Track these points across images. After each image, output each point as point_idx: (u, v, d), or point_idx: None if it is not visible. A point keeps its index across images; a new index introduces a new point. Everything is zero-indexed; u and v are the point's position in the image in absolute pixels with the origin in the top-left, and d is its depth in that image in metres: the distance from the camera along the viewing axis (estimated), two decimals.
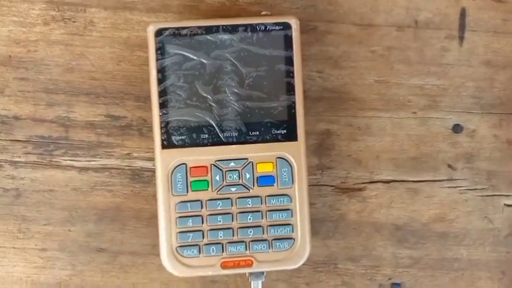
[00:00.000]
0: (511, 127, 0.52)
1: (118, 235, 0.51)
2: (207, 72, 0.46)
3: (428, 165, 0.52)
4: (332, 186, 0.52)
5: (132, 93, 0.51)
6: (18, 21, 0.50)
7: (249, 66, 0.46)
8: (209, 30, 0.46)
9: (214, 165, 0.46)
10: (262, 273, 0.47)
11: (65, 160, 0.51)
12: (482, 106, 0.52)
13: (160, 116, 0.46)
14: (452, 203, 0.52)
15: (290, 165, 0.47)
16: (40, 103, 0.51)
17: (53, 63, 0.51)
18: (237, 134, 0.46)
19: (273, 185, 0.47)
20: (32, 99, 0.51)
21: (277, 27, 0.46)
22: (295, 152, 0.47)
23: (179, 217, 0.46)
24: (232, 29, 0.46)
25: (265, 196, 0.47)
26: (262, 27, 0.46)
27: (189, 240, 0.46)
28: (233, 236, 0.46)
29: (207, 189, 0.46)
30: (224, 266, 0.46)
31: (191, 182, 0.46)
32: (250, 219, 0.46)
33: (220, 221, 0.46)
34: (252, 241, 0.46)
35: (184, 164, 0.46)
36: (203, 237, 0.46)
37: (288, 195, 0.47)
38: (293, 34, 0.46)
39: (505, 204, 0.52)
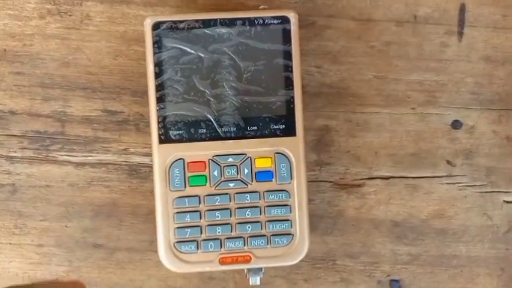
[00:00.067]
0: (510, 123, 0.52)
1: (115, 231, 0.50)
2: (205, 66, 0.46)
3: (427, 161, 0.52)
4: (330, 182, 0.51)
5: (129, 88, 0.50)
6: (13, 15, 0.50)
7: (247, 61, 0.46)
8: (207, 23, 0.46)
9: (212, 160, 0.46)
10: (261, 269, 0.47)
11: (61, 155, 0.50)
12: (482, 102, 0.52)
13: (157, 110, 0.46)
14: (451, 200, 0.52)
15: (289, 160, 0.46)
16: (36, 98, 0.50)
17: (49, 57, 0.50)
18: (235, 129, 0.46)
19: (271, 181, 0.46)
20: (27, 93, 0.50)
21: (275, 21, 0.46)
22: (293, 147, 0.46)
23: (177, 212, 0.46)
24: (230, 23, 0.46)
25: (264, 191, 0.46)
26: (261, 21, 0.46)
27: (187, 236, 0.46)
28: (231, 231, 0.46)
29: (205, 185, 0.46)
30: (222, 261, 0.46)
31: (189, 177, 0.46)
32: (248, 214, 0.46)
33: (218, 217, 0.46)
34: (250, 237, 0.46)
35: (181, 159, 0.46)
36: (201, 233, 0.46)
37: (286, 191, 0.46)
38: (292, 28, 0.46)
39: (504, 201, 0.52)
